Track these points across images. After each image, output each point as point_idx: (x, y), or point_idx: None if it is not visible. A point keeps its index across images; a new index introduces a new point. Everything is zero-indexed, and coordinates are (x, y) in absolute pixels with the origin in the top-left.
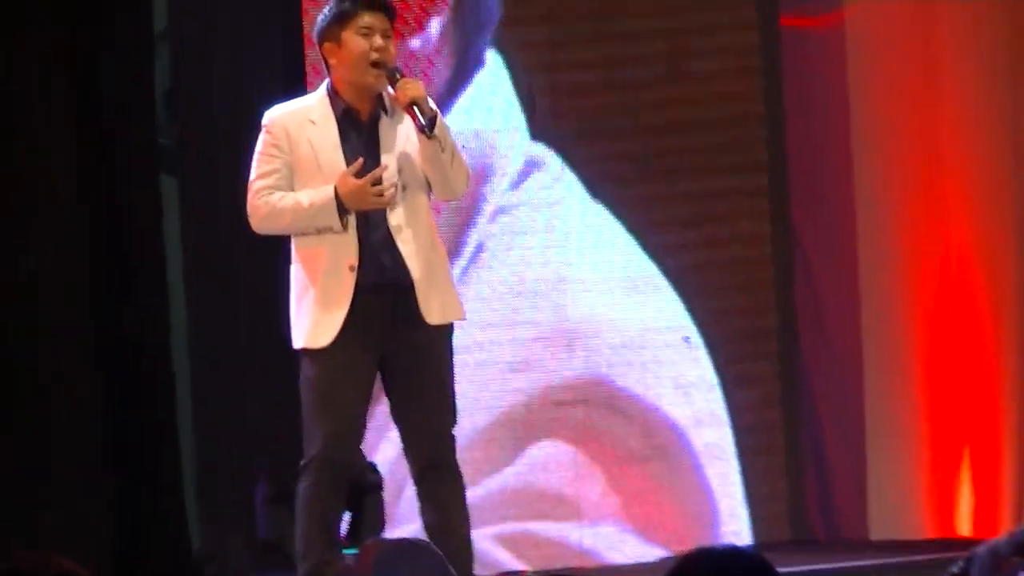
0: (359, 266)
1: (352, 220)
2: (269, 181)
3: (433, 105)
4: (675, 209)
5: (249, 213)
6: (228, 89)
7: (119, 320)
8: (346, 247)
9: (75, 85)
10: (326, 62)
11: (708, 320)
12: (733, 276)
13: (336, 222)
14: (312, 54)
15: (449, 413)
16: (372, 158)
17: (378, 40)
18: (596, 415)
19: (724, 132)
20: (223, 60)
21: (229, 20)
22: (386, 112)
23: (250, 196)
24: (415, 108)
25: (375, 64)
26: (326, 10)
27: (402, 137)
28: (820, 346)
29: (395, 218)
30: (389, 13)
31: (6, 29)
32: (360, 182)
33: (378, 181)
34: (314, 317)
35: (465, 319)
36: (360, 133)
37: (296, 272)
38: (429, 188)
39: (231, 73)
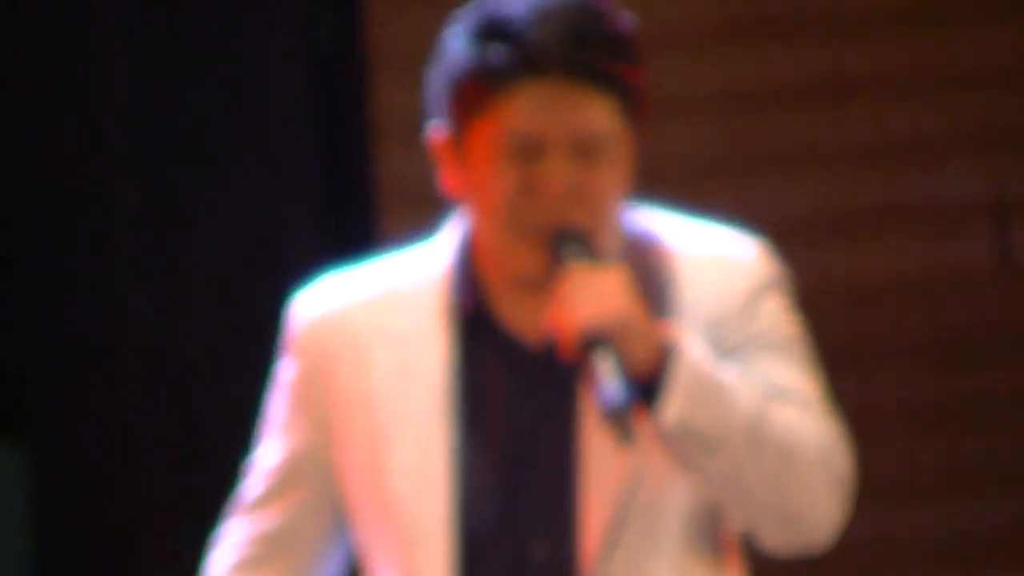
0: None
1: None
2: (255, 512)
3: (659, 336)
4: None
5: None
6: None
7: None
8: None
9: None
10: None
11: None
12: None
13: None
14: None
15: None
16: (551, 466)
17: (556, 176)
18: None
19: None
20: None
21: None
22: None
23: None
24: (595, 354)
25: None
26: (453, 43)
27: None
28: None
29: None
30: (603, 78)
31: None
32: None
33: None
34: None
35: None
36: (524, 386)
37: None
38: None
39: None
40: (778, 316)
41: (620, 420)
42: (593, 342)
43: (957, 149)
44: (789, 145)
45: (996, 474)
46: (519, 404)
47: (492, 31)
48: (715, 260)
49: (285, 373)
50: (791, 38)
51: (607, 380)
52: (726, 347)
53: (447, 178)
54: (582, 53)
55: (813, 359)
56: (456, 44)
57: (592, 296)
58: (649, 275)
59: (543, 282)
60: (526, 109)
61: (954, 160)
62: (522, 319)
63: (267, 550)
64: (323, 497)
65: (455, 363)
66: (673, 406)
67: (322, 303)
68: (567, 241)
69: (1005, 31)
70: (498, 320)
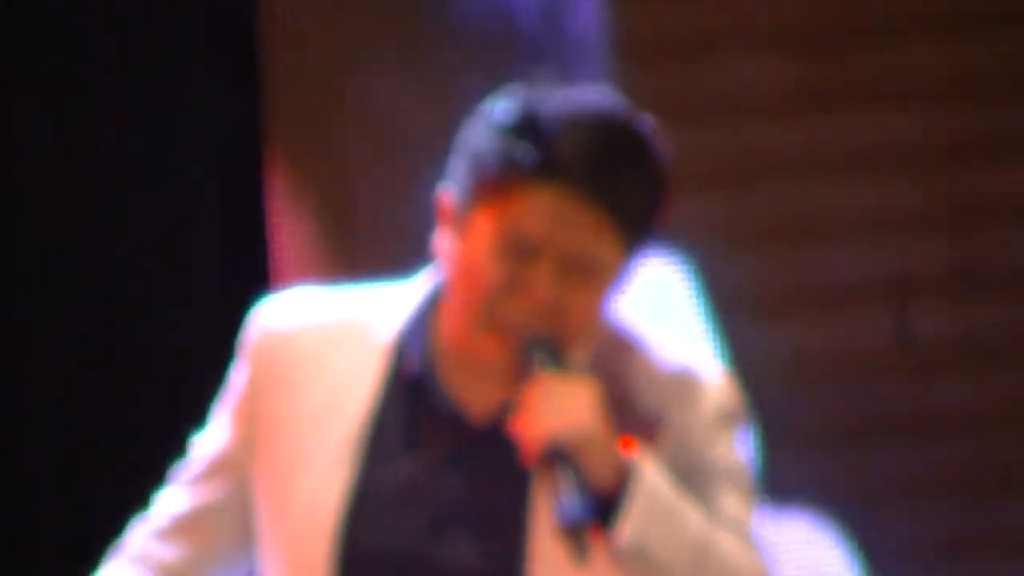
0: None
1: None
2: (177, 492)
3: (620, 457)
4: None
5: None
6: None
7: None
8: None
9: None
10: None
11: None
12: None
13: None
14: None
15: None
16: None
17: (543, 284)
18: None
19: None
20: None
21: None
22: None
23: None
24: (557, 467)
25: (503, 329)
26: (486, 121)
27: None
28: None
29: None
30: (619, 208)
31: None
32: None
33: None
34: None
35: None
36: (453, 455)
37: None
38: None
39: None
40: (732, 446)
41: (577, 534)
42: (556, 454)
43: (855, 229)
44: (691, 224)
45: (899, 561)
46: (445, 471)
47: (526, 126)
48: (686, 380)
49: (235, 373)
50: (688, 119)
51: (567, 493)
52: (680, 464)
53: (440, 240)
54: (604, 173)
55: (752, 490)
56: (489, 124)
57: (560, 408)
58: (617, 381)
59: (499, 372)
60: (534, 211)
61: (852, 240)
62: (465, 390)
63: (176, 528)
64: (236, 500)
65: (377, 410)
66: (629, 526)
67: (280, 318)
68: (539, 348)
69: (903, 113)
70: (442, 384)
